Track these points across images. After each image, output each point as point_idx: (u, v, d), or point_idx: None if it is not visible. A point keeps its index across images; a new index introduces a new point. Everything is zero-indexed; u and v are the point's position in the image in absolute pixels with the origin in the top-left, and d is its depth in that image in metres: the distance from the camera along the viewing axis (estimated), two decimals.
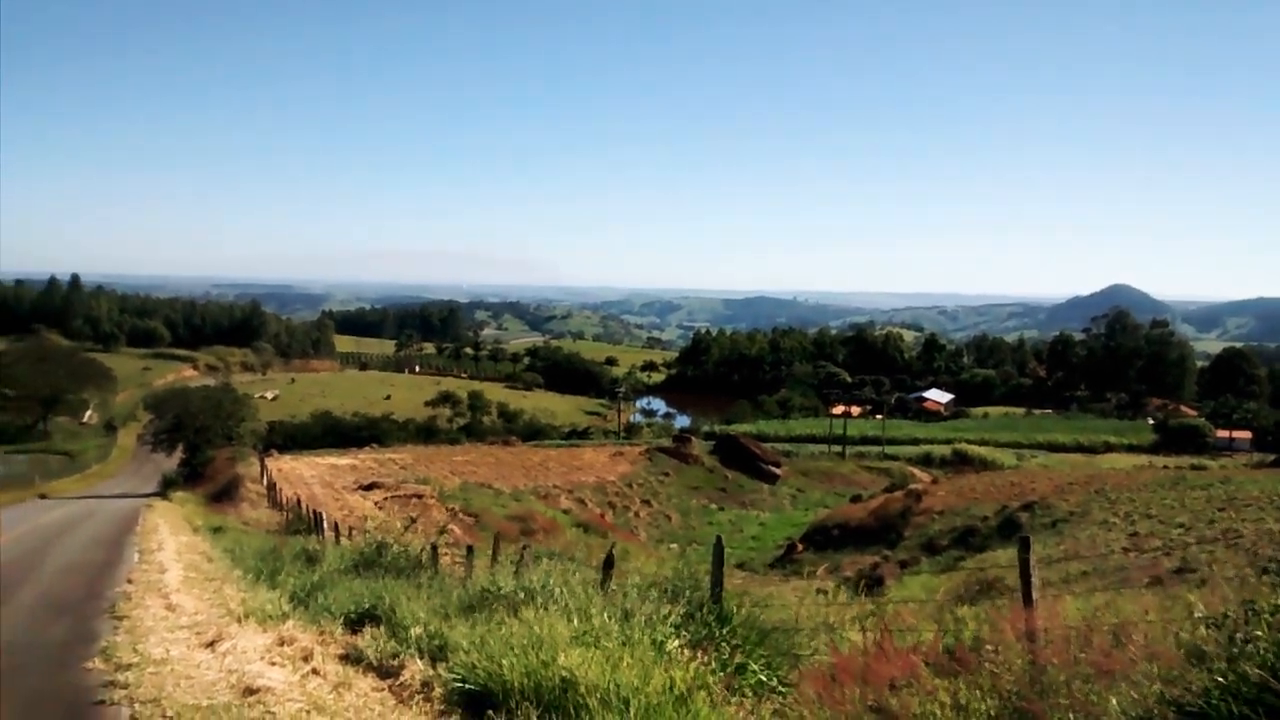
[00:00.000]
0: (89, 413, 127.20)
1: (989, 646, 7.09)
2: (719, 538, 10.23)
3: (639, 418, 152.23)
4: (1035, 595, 7.59)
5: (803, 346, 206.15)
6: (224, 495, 46.52)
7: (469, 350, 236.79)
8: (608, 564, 11.68)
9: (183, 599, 14.40)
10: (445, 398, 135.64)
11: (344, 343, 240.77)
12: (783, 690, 7.88)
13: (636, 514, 65.75)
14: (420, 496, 49.66)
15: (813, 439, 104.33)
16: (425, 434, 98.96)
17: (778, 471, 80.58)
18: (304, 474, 55.03)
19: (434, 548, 16.81)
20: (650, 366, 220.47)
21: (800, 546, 50.21)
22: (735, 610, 9.23)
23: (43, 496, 57.78)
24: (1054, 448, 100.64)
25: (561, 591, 10.30)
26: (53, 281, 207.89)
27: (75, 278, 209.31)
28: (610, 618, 8.88)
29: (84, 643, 11.42)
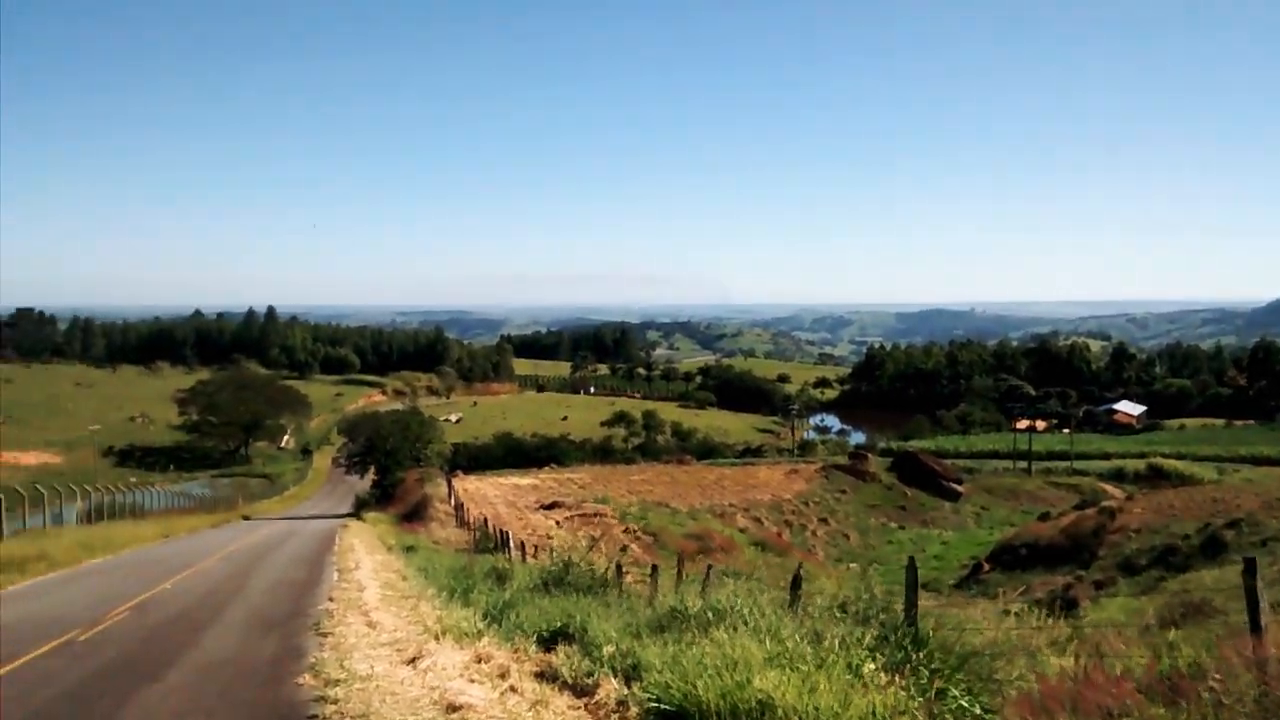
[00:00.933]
0: (286, 437, 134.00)
1: (1214, 675, 6.65)
2: (911, 559, 10.01)
3: (813, 435, 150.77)
4: (1264, 620, 7.09)
5: (982, 359, 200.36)
6: (414, 515, 48.07)
7: (642, 370, 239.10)
8: (795, 584, 11.56)
9: (382, 616, 14.93)
10: (620, 418, 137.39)
11: (522, 365, 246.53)
12: (986, 717, 7.61)
13: (814, 532, 64.89)
14: (600, 515, 50.27)
15: (995, 455, 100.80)
16: (602, 454, 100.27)
17: (959, 489, 78.24)
18: (488, 494, 56.44)
19: (618, 567, 16.98)
20: (823, 383, 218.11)
21: (987, 566, 48.52)
22: (931, 633, 8.98)
23: (246, 518, 61.08)
24: (1259, 461, 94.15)
25: (750, 612, 10.23)
26: (251, 314, 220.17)
27: (271, 310, 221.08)
28: (802, 639, 8.77)
29: (293, 658, 11.97)
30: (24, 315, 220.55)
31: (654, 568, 16.34)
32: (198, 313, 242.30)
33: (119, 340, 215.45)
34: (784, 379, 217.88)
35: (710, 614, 10.37)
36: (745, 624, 9.77)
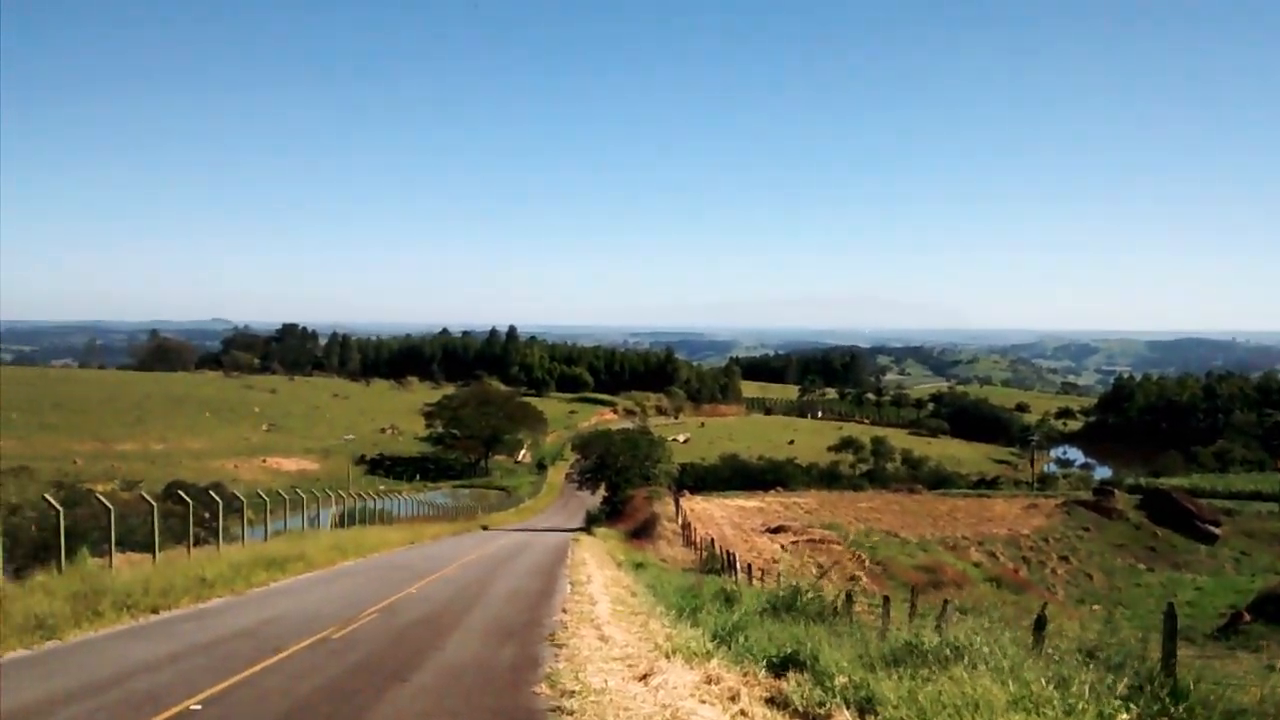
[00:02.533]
0: (523, 452, 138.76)
1: None
2: (1170, 605, 9.40)
3: (1053, 468, 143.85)
4: None
5: (1244, 392, 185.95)
6: (642, 532, 48.81)
7: (871, 396, 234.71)
8: (1039, 624, 11.06)
9: (613, 631, 15.23)
10: (848, 443, 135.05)
11: (749, 388, 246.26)
12: None
13: (1054, 571, 61.83)
14: (827, 542, 49.64)
15: (1258, 496, 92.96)
16: (828, 479, 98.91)
17: (1216, 531, 72.66)
18: (714, 514, 56.65)
19: (848, 595, 16.71)
20: (1065, 414, 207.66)
21: (1247, 616, 44.84)
22: (1191, 686, 8.39)
23: (484, 528, 63.58)
24: None
25: (991, 651, 9.86)
26: (493, 333, 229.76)
27: (512, 329, 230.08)
28: (1047, 683, 8.38)
29: (530, 667, 12.37)
30: (289, 331, 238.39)
31: (885, 599, 15.97)
32: (445, 331, 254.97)
33: (372, 356, 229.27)
34: (1023, 408, 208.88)
35: (948, 650, 10.05)
36: (985, 663, 9.43)
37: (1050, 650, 10.06)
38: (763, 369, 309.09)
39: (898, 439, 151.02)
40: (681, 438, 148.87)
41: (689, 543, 44.01)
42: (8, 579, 17.97)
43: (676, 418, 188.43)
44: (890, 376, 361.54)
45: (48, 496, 23.11)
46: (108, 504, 23.44)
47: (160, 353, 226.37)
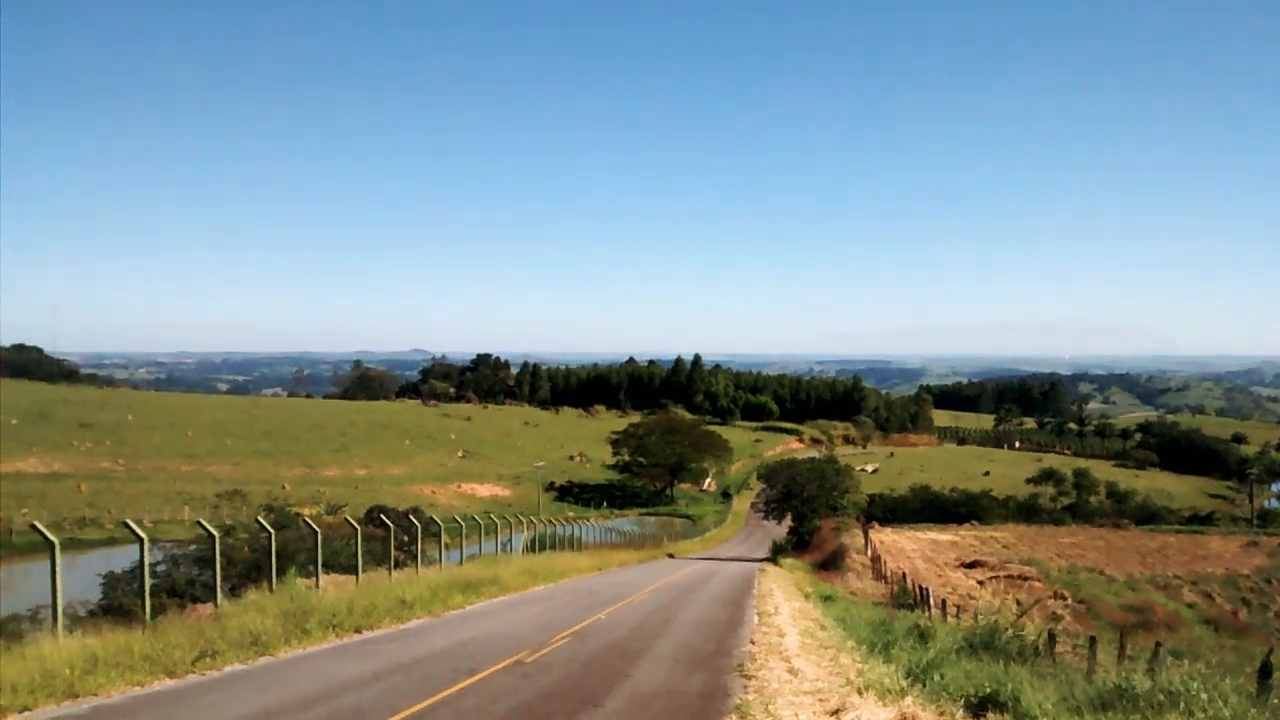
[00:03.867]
0: (708, 480, 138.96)
1: None
2: None
3: (1275, 503, 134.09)
4: None
5: None
6: (830, 564, 48.07)
7: (1072, 426, 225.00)
8: (1264, 671, 10.30)
9: (802, 664, 14.98)
10: (1048, 475, 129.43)
11: (941, 417, 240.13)
12: None
13: (1278, 614, 57.54)
14: (1026, 579, 47.68)
15: None
16: (1026, 512, 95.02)
17: None
18: (905, 547, 55.31)
19: (1051, 635, 15.97)
20: None
21: None
22: None
23: (670, 555, 63.87)
24: None
25: (1210, 698, 9.22)
26: (678, 361, 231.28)
27: (697, 357, 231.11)
28: None
29: (719, 697, 12.28)
30: (483, 361, 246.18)
31: (1092, 639, 15.20)
32: (631, 360, 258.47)
33: (561, 384, 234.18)
34: (1240, 439, 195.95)
35: (1162, 696, 9.46)
36: (1203, 711, 8.83)
37: (1277, 701, 9.33)
38: (955, 397, 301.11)
39: (1102, 471, 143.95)
40: (870, 468, 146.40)
41: (879, 576, 43.05)
42: (224, 597, 19.10)
43: (864, 447, 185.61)
44: (1093, 405, 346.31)
45: (260, 519, 24.51)
46: (315, 527, 24.67)
47: (363, 382, 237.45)
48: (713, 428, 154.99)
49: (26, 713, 10.65)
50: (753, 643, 17.72)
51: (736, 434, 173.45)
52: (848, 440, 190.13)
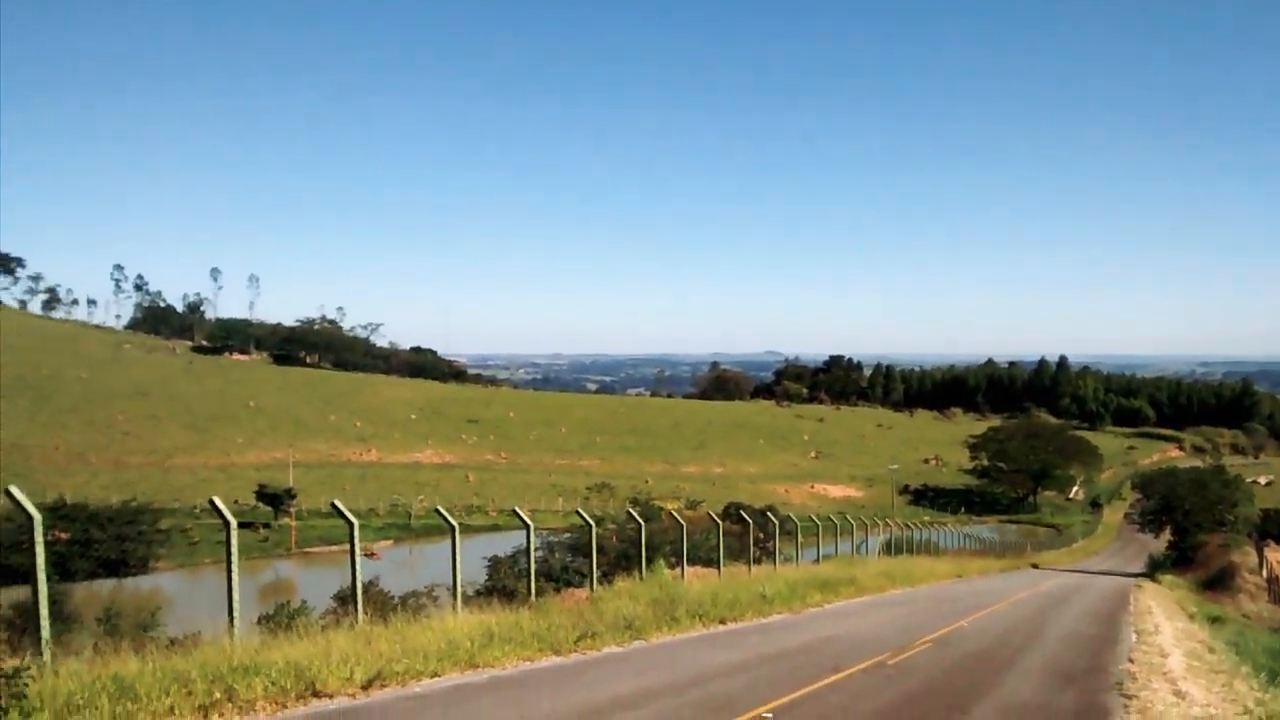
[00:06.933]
0: (1075, 489, 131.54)
1: None
2: None
3: None
4: None
5: None
6: (1216, 583, 44.23)
7: None
8: None
9: (1190, 687, 13.96)
10: None
11: None
12: None
13: None
14: None
15: None
16: None
17: None
18: None
19: None
20: None
21: None
22: None
23: (1034, 566, 61.05)
24: None
25: None
26: (1042, 363, 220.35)
27: (1063, 359, 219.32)
28: None
29: (1097, 715, 11.70)
30: (835, 362, 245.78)
31: None
32: (989, 361, 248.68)
33: (916, 386, 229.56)
34: None
35: None
36: None
37: None
38: None
39: None
40: (1263, 480, 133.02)
41: (1277, 599, 39.02)
42: (598, 583, 20.39)
43: (1256, 457, 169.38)
44: None
45: (630, 511, 25.91)
46: (680, 520, 25.75)
47: (719, 383, 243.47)
48: (1080, 433, 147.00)
49: (436, 678, 11.91)
50: (1131, 661, 16.69)
51: (1106, 440, 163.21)
52: (1236, 449, 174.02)
